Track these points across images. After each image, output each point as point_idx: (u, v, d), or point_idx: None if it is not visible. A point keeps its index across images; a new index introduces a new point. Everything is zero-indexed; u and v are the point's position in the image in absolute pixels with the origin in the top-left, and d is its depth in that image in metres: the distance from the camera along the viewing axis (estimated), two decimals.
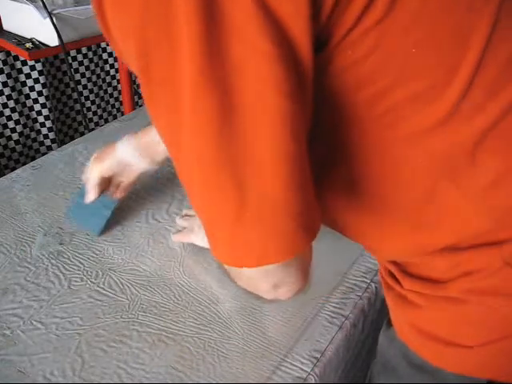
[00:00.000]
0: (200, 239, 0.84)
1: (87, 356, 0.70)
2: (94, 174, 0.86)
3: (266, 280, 0.45)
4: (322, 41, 0.38)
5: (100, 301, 0.79)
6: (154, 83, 0.37)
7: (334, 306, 0.77)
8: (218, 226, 0.42)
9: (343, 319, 0.75)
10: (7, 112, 1.41)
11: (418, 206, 0.48)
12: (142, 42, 0.35)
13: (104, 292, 0.80)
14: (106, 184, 0.89)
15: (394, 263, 0.58)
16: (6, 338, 0.72)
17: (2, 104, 1.39)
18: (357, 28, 0.38)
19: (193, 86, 0.35)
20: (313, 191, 0.42)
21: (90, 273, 0.84)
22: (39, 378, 0.67)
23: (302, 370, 0.68)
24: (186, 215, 0.92)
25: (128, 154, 0.83)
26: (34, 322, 0.75)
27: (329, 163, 0.48)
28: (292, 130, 0.37)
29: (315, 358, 0.69)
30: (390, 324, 0.62)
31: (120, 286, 0.81)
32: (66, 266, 0.85)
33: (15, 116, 1.43)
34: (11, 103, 1.41)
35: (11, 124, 1.43)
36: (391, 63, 0.40)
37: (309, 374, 0.67)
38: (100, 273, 0.84)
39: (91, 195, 0.87)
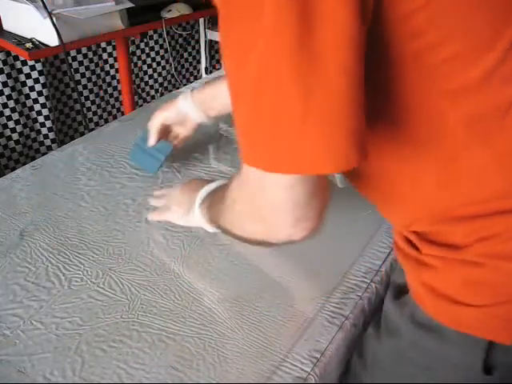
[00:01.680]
0: (177, 217, 0.86)
1: (87, 356, 0.70)
2: (156, 120, 0.99)
3: (291, 212, 0.47)
4: None
5: (100, 301, 0.79)
6: (232, 9, 0.40)
7: (334, 306, 0.77)
8: (275, 129, 0.42)
9: (343, 319, 0.75)
10: (7, 112, 1.41)
11: (446, 161, 0.51)
12: None
13: (104, 292, 0.80)
14: (166, 132, 1.01)
15: (414, 232, 0.59)
16: (6, 338, 0.72)
17: (2, 104, 1.39)
18: None
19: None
20: (364, 117, 0.43)
21: (89, 273, 0.84)
22: (39, 378, 0.67)
23: (302, 370, 0.68)
24: (162, 194, 0.95)
25: (186, 106, 0.96)
26: (34, 322, 0.75)
27: (372, 108, 0.50)
28: (357, 50, 0.39)
29: (315, 358, 0.69)
30: (396, 297, 0.65)
31: (120, 285, 0.81)
32: (66, 266, 0.85)
33: (15, 116, 1.43)
34: (11, 103, 1.41)
35: (11, 124, 1.43)
36: (443, 18, 0.42)
37: (309, 374, 0.67)
38: (100, 273, 0.84)
39: (152, 140, 0.99)
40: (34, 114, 1.50)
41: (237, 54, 0.42)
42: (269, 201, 0.48)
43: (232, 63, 0.43)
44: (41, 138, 1.54)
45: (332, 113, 0.40)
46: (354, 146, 0.42)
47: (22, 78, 1.43)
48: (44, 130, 1.53)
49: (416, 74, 0.46)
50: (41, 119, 1.51)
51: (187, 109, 0.97)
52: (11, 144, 1.46)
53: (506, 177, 0.50)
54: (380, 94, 0.48)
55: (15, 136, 1.46)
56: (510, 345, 0.54)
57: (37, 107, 1.49)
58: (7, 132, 1.44)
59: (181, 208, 0.84)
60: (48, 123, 1.51)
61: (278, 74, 0.40)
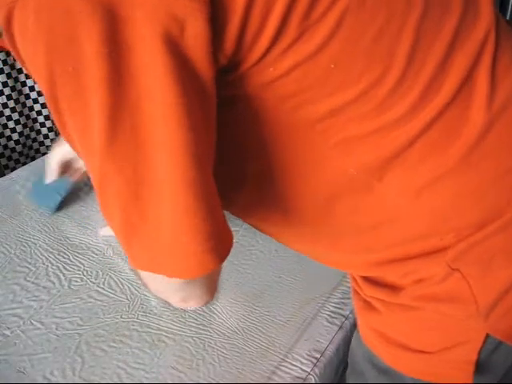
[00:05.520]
0: None
1: (87, 356, 0.70)
2: (54, 156, 0.94)
3: (174, 295, 0.49)
4: (236, 62, 0.39)
5: (100, 301, 0.79)
6: (62, 115, 0.39)
7: (334, 306, 0.77)
8: (137, 239, 0.42)
9: (343, 319, 0.75)
10: (7, 112, 1.41)
11: (356, 209, 0.49)
12: (49, 81, 0.37)
13: (104, 292, 0.80)
14: (66, 167, 0.96)
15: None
16: (6, 338, 0.72)
17: (1, 104, 1.39)
18: (272, 50, 0.39)
19: (104, 118, 0.36)
20: (222, 214, 0.43)
21: (90, 273, 0.84)
22: (39, 377, 0.67)
23: (302, 370, 0.68)
24: None
25: None
26: (34, 322, 0.75)
27: (263, 179, 0.49)
28: (196, 160, 0.38)
29: (315, 358, 0.69)
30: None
31: (120, 286, 0.81)
32: (66, 266, 0.85)
33: (15, 116, 1.43)
34: (11, 103, 1.40)
35: (11, 124, 1.43)
36: (311, 78, 0.41)
37: (309, 373, 0.67)
38: (100, 273, 0.84)
39: (50, 177, 0.95)
40: (34, 114, 1.50)
41: (80, 146, 0.40)
42: (152, 286, 0.50)
43: (81, 153, 0.42)
44: (41, 138, 1.54)
45: (179, 229, 0.40)
46: (210, 252, 0.41)
47: (22, 77, 1.43)
48: (44, 130, 1.53)
49: (299, 133, 0.44)
50: (41, 119, 1.51)
51: None
52: (11, 144, 1.46)
53: (420, 217, 0.48)
54: (271, 163, 0.46)
55: (15, 136, 1.46)
56: None
57: (37, 107, 1.49)
58: (7, 132, 1.44)
59: None
60: (48, 123, 1.51)
61: (115, 194, 0.40)
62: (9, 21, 0.37)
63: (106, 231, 0.91)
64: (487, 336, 0.49)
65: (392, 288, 0.53)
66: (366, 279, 0.56)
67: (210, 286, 0.49)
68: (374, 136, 0.44)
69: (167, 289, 0.48)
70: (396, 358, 0.55)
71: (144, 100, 0.36)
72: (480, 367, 0.51)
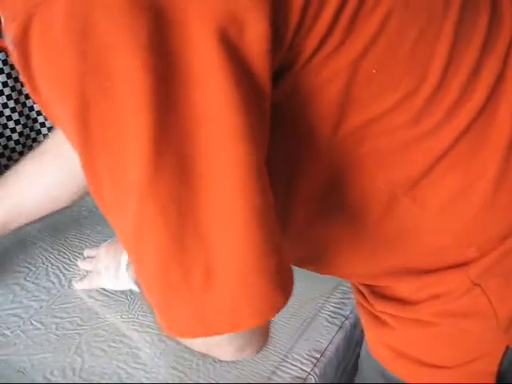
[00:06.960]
0: (108, 281, 0.77)
1: (87, 356, 0.70)
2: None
3: (231, 344, 0.40)
4: (283, 69, 0.36)
5: (100, 301, 0.79)
6: (94, 145, 0.32)
7: (334, 306, 0.77)
8: (178, 299, 0.35)
9: (343, 319, 0.75)
10: (7, 112, 1.41)
11: (378, 221, 0.47)
12: (80, 101, 0.30)
13: (104, 292, 0.80)
14: None
15: (364, 284, 0.57)
16: (6, 338, 0.72)
17: (1, 104, 1.39)
18: (317, 55, 0.36)
19: (145, 145, 0.30)
20: (282, 244, 0.37)
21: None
22: (39, 377, 0.67)
23: (302, 370, 0.68)
24: (88, 257, 0.84)
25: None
26: (34, 322, 0.75)
27: (288, 196, 0.46)
28: (259, 183, 0.33)
29: (315, 358, 0.69)
30: None
31: None
32: (66, 266, 0.85)
33: (15, 116, 1.43)
34: (11, 103, 1.40)
35: (11, 124, 1.43)
36: (353, 85, 0.38)
37: (309, 374, 0.67)
38: None
39: None
40: (34, 114, 1.50)
41: (113, 205, 0.35)
42: (196, 342, 0.40)
43: (110, 217, 0.36)
44: (41, 138, 1.54)
45: (242, 268, 0.33)
46: (279, 286, 0.36)
47: None
48: (44, 130, 1.53)
49: (337, 142, 0.41)
50: (41, 119, 1.51)
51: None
52: (11, 144, 1.46)
53: (444, 232, 0.46)
54: (307, 169, 0.43)
55: (15, 136, 1.46)
56: None
57: (37, 107, 1.49)
58: (7, 132, 1.44)
59: (109, 271, 0.75)
60: (48, 123, 1.51)
61: (152, 247, 0.33)
62: (25, 30, 0.30)
63: (83, 285, 0.80)
64: (507, 348, 0.49)
65: (404, 302, 0.52)
66: (376, 294, 0.55)
67: (267, 326, 0.44)
68: (405, 149, 0.42)
69: (223, 339, 0.38)
70: (412, 373, 0.54)
71: (198, 121, 0.30)
72: (500, 379, 0.50)
